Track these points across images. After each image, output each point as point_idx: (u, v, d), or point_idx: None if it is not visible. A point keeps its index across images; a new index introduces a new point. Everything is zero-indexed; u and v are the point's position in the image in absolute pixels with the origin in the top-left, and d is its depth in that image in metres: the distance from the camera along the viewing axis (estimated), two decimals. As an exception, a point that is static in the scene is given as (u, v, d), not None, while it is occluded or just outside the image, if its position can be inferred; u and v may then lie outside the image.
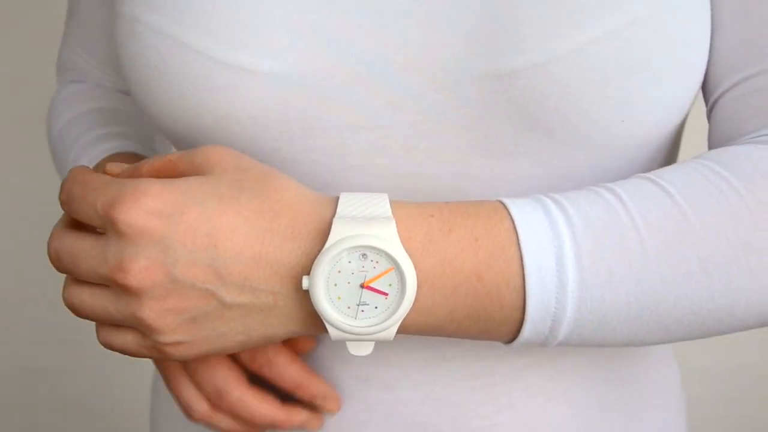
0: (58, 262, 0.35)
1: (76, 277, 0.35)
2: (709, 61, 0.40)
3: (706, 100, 0.42)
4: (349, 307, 0.33)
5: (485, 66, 0.35)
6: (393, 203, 0.35)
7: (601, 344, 0.36)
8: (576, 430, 0.44)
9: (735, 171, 0.35)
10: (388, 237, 0.33)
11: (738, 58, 0.39)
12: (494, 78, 0.35)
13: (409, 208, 0.35)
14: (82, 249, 0.34)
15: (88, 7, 0.56)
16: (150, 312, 0.33)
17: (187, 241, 0.32)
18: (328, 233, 0.33)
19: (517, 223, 0.34)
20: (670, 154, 0.44)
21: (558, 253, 0.33)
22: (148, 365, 0.65)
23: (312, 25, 0.37)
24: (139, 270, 0.32)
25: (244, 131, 0.39)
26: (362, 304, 0.33)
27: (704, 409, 1.20)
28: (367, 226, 0.33)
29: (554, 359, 0.43)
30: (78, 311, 0.35)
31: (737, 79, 0.39)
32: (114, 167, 0.37)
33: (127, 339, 0.35)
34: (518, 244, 0.33)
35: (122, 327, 0.35)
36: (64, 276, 0.36)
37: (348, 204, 0.34)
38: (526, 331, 0.34)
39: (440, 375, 0.42)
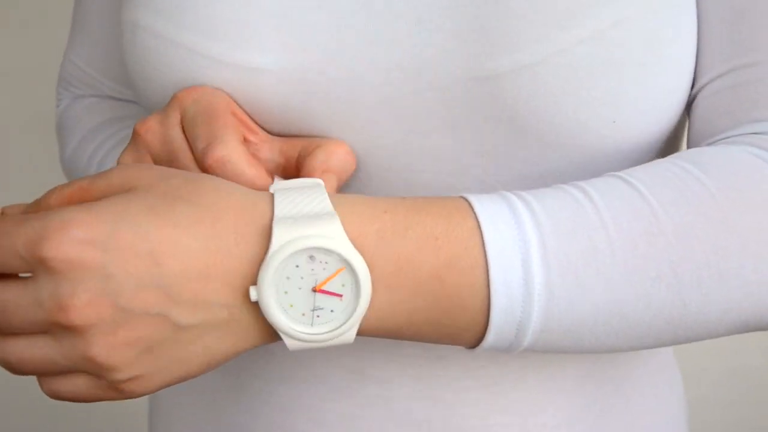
0: None
1: (7, 332, 0.31)
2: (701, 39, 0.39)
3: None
4: (303, 314, 0.31)
5: (473, 67, 0.35)
6: (343, 198, 0.33)
7: (569, 351, 0.34)
8: None
9: (708, 171, 0.34)
10: (333, 234, 0.31)
11: (713, 55, 0.39)
12: (482, 79, 0.35)
13: (359, 205, 0.33)
14: (9, 299, 0.30)
15: (96, 21, 0.56)
16: (100, 349, 0.29)
17: (127, 265, 0.29)
18: (271, 235, 0.31)
19: (481, 221, 0.32)
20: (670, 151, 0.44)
21: (524, 257, 0.32)
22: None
23: (303, 23, 0.37)
24: (82, 306, 0.29)
25: None
26: (317, 309, 0.32)
27: (704, 412, 1.20)
28: (309, 225, 0.31)
29: (552, 361, 0.43)
30: (17, 368, 0.31)
31: (711, 76, 0.39)
32: (12, 208, 0.34)
33: (78, 384, 0.31)
34: (482, 245, 0.32)
35: (69, 373, 0.32)
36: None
37: (285, 203, 0.32)
38: (490, 337, 0.33)
39: (435, 373, 0.42)
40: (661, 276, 0.32)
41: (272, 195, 0.33)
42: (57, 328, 0.30)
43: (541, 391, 0.43)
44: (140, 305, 0.30)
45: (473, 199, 0.33)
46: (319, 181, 0.34)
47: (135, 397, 0.32)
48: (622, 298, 0.32)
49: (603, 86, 0.35)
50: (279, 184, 0.34)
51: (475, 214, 0.33)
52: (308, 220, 0.31)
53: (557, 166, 0.38)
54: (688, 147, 0.40)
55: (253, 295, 0.31)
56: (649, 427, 0.47)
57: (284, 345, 0.43)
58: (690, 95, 0.40)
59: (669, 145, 0.43)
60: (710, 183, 0.34)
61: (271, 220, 0.31)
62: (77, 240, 0.29)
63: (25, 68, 1.14)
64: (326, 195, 0.33)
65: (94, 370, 0.30)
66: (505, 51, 0.35)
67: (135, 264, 0.29)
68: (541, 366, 0.43)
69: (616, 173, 0.35)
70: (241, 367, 0.46)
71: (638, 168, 0.35)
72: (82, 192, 0.32)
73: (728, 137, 0.38)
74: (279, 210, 0.32)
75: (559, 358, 0.43)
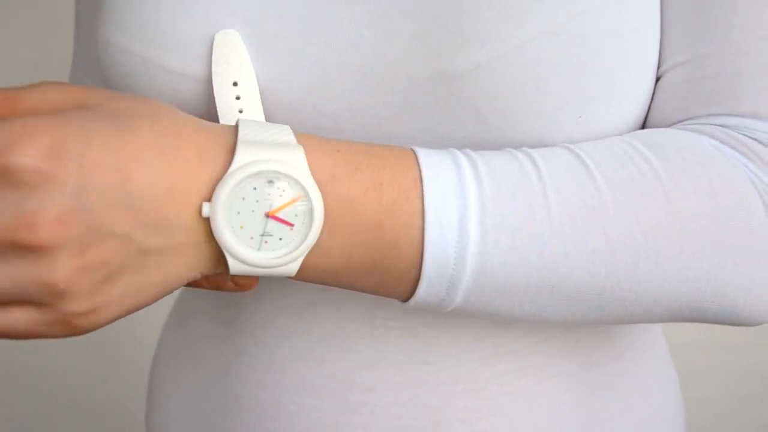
0: None
1: None
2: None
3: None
4: (252, 238, 0.31)
5: (433, 68, 0.35)
6: (298, 135, 0.33)
7: (501, 314, 0.35)
8: None
9: (658, 152, 0.35)
10: (296, 164, 0.31)
11: (674, 42, 0.39)
12: (443, 80, 0.35)
13: (315, 140, 0.33)
14: None
15: (91, 34, 0.56)
16: (63, 273, 0.27)
17: (98, 180, 0.27)
18: (234, 154, 0.30)
19: (423, 173, 0.33)
20: None
21: (462, 214, 0.32)
22: (145, 365, 0.65)
23: (266, 33, 0.37)
24: (50, 223, 0.26)
25: None
26: (266, 235, 0.31)
27: (702, 411, 1.21)
28: (274, 151, 0.31)
29: (541, 365, 0.43)
30: None
31: (670, 63, 0.39)
32: None
33: (17, 317, 0.28)
34: (422, 197, 0.32)
35: (9, 304, 0.28)
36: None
37: (250, 130, 0.32)
38: (422, 289, 0.33)
39: (422, 379, 0.42)
40: (597, 251, 0.33)
41: (235, 125, 0.32)
42: (13, 248, 0.26)
43: (530, 394, 0.43)
44: (109, 225, 0.28)
45: (420, 151, 0.34)
46: (287, 126, 0.34)
47: (78, 335, 0.30)
48: (556, 268, 0.33)
49: (565, 81, 0.35)
50: (243, 118, 0.34)
51: (419, 165, 0.33)
52: (274, 147, 0.31)
53: None
54: (644, 128, 0.41)
55: (206, 210, 0.30)
56: (642, 427, 0.47)
57: (269, 350, 0.43)
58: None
59: None
60: (659, 165, 0.34)
61: (236, 142, 0.31)
62: (48, 148, 0.26)
63: (26, 67, 1.13)
64: (292, 132, 0.33)
65: (48, 299, 0.28)
66: (462, 50, 0.34)
67: (107, 179, 0.28)
68: (529, 368, 0.43)
69: (568, 145, 0.36)
70: (226, 373, 0.47)
71: (590, 143, 0.36)
72: (5, 103, 0.28)
73: (686, 125, 0.38)
74: (244, 134, 0.31)
75: (549, 363, 0.43)
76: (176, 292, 0.54)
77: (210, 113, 0.38)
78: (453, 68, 0.35)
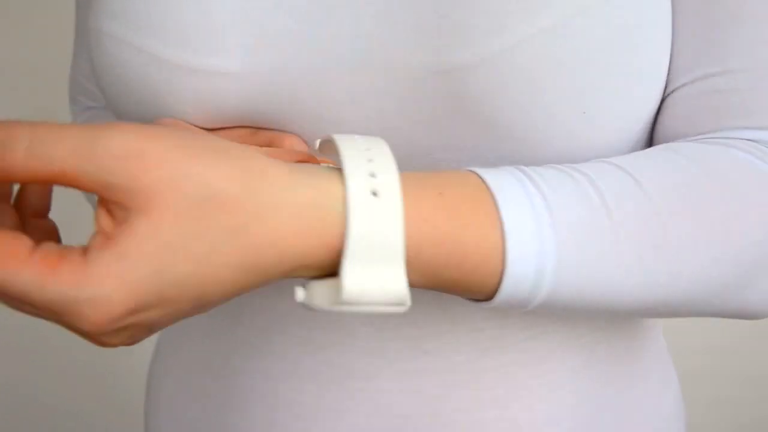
0: None
1: None
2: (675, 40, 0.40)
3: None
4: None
5: (435, 61, 0.35)
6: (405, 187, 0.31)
7: (578, 309, 0.34)
8: (565, 430, 0.44)
9: (708, 169, 0.35)
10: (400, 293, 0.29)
11: (698, 54, 0.39)
12: (445, 73, 0.35)
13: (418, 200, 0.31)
14: (19, 290, 0.26)
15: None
16: (99, 333, 0.27)
17: (172, 317, 0.28)
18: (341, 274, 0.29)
19: (506, 229, 0.32)
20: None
21: (540, 266, 0.32)
22: (144, 365, 0.65)
23: (265, 24, 0.37)
24: (101, 322, 0.26)
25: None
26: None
27: (703, 411, 1.21)
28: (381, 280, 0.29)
29: (542, 358, 0.43)
30: None
31: (696, 75, 0.39)
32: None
33: (40, 315, 0.28)
34: (503, 234, 0.32)
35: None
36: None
37: (358, 244, 0.29)
38: (501, 296, 0.33)
39: (421, 368, 0.42)
40: (656, 248, 0.33)
41: (343, 212, 0.29)
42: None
43: (530, 386, 0.43)
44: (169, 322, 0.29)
45: (497, 195, 0.33)
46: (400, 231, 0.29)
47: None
48: (616, 269, 0.33)
49: (569, 76, 0.35)
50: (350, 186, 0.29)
51: (494, 199, 0.32)
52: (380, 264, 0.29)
53: (530, 161, 0.37)
54: (656, 138, 0.41)
55: (300, 296, 0.30)
56: (642, 424, 0.47)
57: (267, 339, 0.43)
58: (665, 92, 0.40)
59: (646, 143, 0.42)
60: (709, 183, 0.35)
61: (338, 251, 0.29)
62: (116, 318, 0.26)
63: (25, 65, 1.13)
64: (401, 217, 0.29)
65: (75, 330, 0.28)
66: (465, 44, 0.34)
67: (180, 313, 0.28)
68: (529, 361, 0.43)
69: (613, 162, 0.36)
70: (225, 364, 0.47)
71: (633, 156, 0.37)
72: (65, 179, 0.26)
73: (710, 138, 0.38)
74: (350, 252, 0.28)
75: (550, 356, 0.43)
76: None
77: (203, 105, 0.38)
78: (454, 62, 0.34)
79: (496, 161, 0.37)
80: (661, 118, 0.41)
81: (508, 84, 0.34)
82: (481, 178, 0.33)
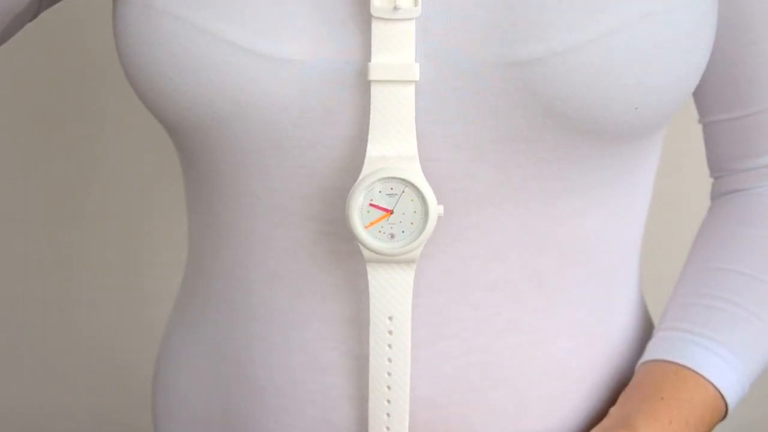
0: None
1: None
2: (709, 80, 0.46)
3: (702, 109, 0.49)
4: None
5: (505, 54, 0.37)
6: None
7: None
8: (571, 407, 0.46)
9: None
10: None
11: (747, 92, 0.46)
12: (513, 66, 0.37)
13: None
14: None
15: None
16: None
17: None
18: None
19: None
20: (659, 144, 0.47)
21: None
22: (146, 367, 0.65)
23: (337, 15, 0.38)
24: None
25: (262, 117, 0.39)
26: None
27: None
28: None
29: (552, 338, 0.45)
30: None
31: (749, 111, 0.47)
32: None
33: None
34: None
35: None
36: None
37: None
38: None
39: (439, 352, 0.43)
40: None
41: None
42: None
43: (539, 366, 0.44)
44: None
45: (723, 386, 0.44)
46: None
47: None
48: None
49: (630, 74, 0.38)
50: None
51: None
52: None
53: (574, 151, 0.40)
54: (712, 158, 0.51)
55: None
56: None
57: (286, 335, 0.45)
58: (716, 116, 0.48)
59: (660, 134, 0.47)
60: None
61: None
62: None
63: (25, 64, 1.13)
64: None
65: None
66: (538, 39, 0.37)
67: None
68: (539, 341, 0.44)
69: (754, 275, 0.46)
70: (240, 357, 0.47)
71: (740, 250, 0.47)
72: None
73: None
74: None
75: (558, 337, 0.45)
76: (180, 280, 0.54)
77: (260, 90, 0.38)
78: (525, 55, 0.37)
79: (542, 151, 0.40)
80: (716, 142, 0.50)
81: (573, 78, 0.37)
82: (696, 372, 0.44)
